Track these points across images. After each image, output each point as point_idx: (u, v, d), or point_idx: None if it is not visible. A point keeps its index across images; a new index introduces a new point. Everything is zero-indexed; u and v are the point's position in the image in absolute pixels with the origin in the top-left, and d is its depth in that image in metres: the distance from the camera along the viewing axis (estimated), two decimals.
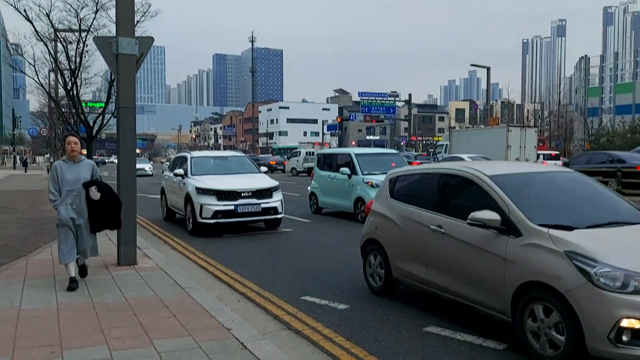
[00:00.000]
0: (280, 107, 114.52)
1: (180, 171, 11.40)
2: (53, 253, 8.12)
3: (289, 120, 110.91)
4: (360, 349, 4.42)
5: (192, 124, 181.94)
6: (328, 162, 13.95)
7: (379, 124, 68.62)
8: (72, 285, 5.87)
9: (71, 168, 5.99)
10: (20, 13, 11.61)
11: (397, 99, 50.41)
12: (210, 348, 4.11)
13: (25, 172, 47.00)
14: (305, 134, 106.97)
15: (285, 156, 49.80)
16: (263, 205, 10.60)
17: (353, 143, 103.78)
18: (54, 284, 6.15)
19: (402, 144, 76.97)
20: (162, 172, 18.31)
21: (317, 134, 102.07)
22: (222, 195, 10.33)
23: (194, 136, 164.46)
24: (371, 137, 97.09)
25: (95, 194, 5.92)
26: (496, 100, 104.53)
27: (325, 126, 76.54)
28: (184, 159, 12.16)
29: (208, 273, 7.42)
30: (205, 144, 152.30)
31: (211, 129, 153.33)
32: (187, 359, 3.91)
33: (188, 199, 10.73)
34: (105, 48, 7.31)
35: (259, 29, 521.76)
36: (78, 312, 5.00)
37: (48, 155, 58.61)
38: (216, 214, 10.24)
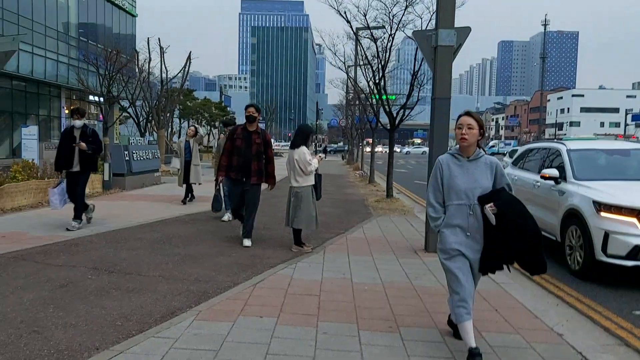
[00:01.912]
0: (573, 95, 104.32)
1: (552, 172, 7.46)
2: (365, 233, 8.91)
3: (583, 110, 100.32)
4: None
5: None
6: None
7: None
8: None
9: (463, 169, 3.77)
10: (342, 15, 13.01)
11: None
12: (545, 351, 3.89)
13: (325, 157, 53.39)
14: (602, 124, 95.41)
15: None
16: None
17: None
18: (374, 262, 6.69)
19: None
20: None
21: (617, 124, 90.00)
22: None
23: None
24: None
25: (490, 214, 3.60)
26: None
27: (629, 116, 66.73)
28: (552, 152, 8.22)
29: (514, 270, 7.12)
30: (486, 134, 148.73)
31: (492, 119, 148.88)
32: (521, 358, 3.78)
33: (572, 218, 6.84)
34: (423, 41, 7.59)
35: (552, 12, 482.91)
36: (402, 292, 5.33)
37: (341, 143, 65.34)
38: (637, 251, 5.99)
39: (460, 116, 3.85)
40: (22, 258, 6.40)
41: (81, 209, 8.53)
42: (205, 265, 6.33)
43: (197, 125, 12.62)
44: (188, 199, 12.09)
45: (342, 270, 6.21)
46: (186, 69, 26.03)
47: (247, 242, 7.52)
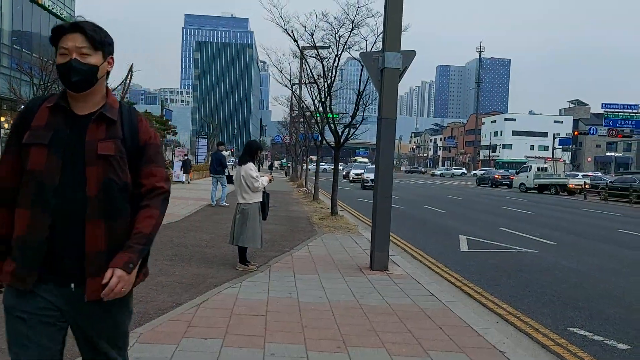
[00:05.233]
0: (505, 119, 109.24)
1: None
2: (310, 251, 8.87)
3: (515, 133, 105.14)
4: None
5: (412, 134, 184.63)
6: None
7: (626, 139, 60.47)
8: None
9: None
10: (289, 34, 13.07)
11: None
12: None
13: (272, 175, 53.12)
14: (532, 147, 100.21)
15: (511, 171, 47.61)
16: None
17: (589, 160, 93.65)
18: (320, 281, 6.66)
19: None
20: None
21: (546, 148, 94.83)
22: None
23: (413, 147, 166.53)
24: (612, 154, 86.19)
25: None
26: None
27: (556, 140, 70.47)
28: None
29: (456, 288, 7.30)
30: (425, 154, 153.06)
31: (431, 140, 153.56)
32: None
33: None
34: (370, 63, 7.74)
35: (486, 38, 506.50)
36: (349, 311, 5.31)
37: (284, 160, 65.52)
38: None
39: None
40: None
41: None
42: (146, 284, 6.08)
43: None
44: None
45: (289, 289, 6.14)
46: (127, 82, 25.32)
47: None
